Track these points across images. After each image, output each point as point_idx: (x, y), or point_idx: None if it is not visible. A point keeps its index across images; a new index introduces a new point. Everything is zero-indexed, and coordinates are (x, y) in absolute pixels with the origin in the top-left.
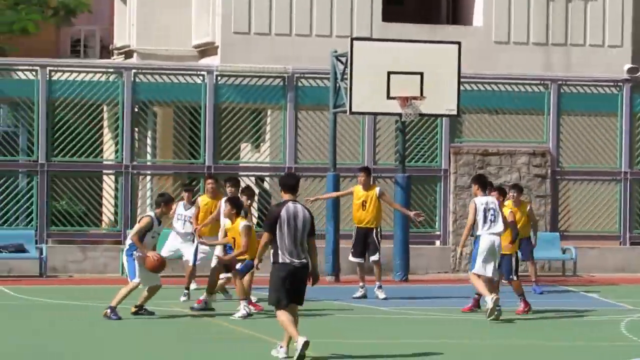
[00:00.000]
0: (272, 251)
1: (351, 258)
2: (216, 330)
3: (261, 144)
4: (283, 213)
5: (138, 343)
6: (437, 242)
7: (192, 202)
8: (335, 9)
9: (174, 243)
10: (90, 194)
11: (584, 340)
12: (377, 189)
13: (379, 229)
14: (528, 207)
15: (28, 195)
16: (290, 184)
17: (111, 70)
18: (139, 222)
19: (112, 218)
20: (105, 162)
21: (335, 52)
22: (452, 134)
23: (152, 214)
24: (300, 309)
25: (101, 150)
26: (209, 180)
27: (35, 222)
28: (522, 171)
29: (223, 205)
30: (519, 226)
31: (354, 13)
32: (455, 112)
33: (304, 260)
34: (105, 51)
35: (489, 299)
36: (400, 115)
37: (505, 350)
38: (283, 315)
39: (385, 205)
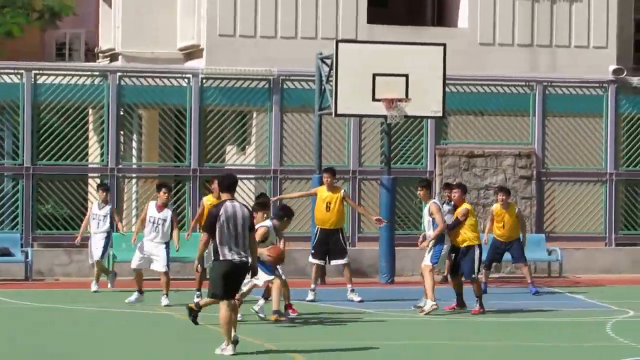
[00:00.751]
0: (213, 249)
1: (312, 259)
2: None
3: (247, 146)
4: (222, 213)
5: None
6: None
7: (105, 201)
8: (320, 11)
9: (94, 241)
10: (76, 197)
11: (569, 342)
12: (342, 191)
13: (344, 231)
14: (516, 210)
15: (13, 199)
16: (227, 184)
17: (96, 73)
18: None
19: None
20: (90, 165)
21: (321, 54)
22: (437, 136)
23: (269, 224)
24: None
25: (86, 154)
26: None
27: (20, 226)
28: (508, 173)
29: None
30: (507, 228)
31: (339, 15)
32: (440, 114)
33: (244, 258)
34: (91, 54)
35: (431, 303)
36: (385, 117)
37: (492, 351)
38: (226, 312)
39: (369, 209)
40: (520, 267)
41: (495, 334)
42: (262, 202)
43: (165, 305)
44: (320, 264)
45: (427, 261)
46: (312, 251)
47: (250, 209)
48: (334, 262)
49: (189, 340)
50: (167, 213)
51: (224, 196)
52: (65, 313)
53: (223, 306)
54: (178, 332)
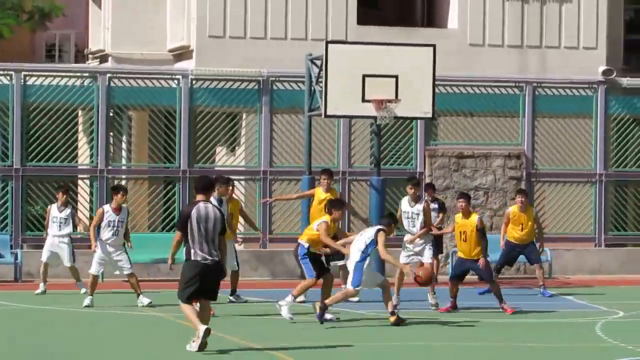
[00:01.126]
0: (185, 249)
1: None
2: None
3: (236, 147)
4: (194, 213)
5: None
6: None
7: (65, 204)
8: (310, 12)
9: (53, 244)
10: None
11: (559, 342)
12: (338, 192)
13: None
14: (534, 212)
15: (3, 200)
16: (201, 186)
17: (86, 74)
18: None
19: (87, 222)
20: (80, 167)
21: (310, 55)
22: (427, 137)
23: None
24: (278, 313)
25: (76, 155)
26: (222, 187)
27: (10, 227)
28: (498, 173)
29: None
30: (525, 231)
31: (328, 16)
32: (430, 115)
33: (215, 258)
34: (80, 55)
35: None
36: (375, 118)
37: (485, 351)
38: (187, 309)
39: (359, 210)
40: (535, 269)
41: (489, 334)
42: (393, 219)
43: (147, 305)
44: None
45: (428, 259)
46: None
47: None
48: (333, 263)
49: (189, 341)
50: (124, 215)
51: (198, 197)
52: (59, 314)
53: (184, 306)
54: (178, 332)
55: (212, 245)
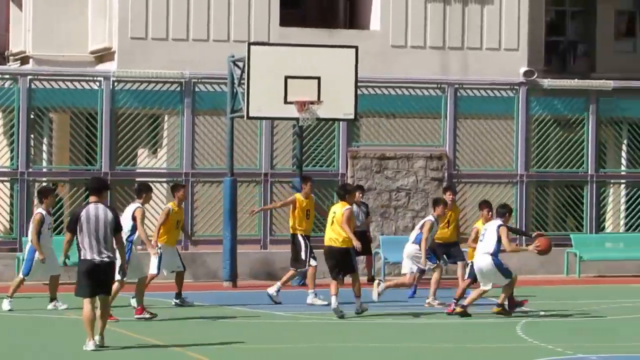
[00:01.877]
0: (77, 249)
1: (314, 263)
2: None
3: (158, 149)
4: (83, 214)
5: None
6: None
7: None
8: (232, 13)
9: None
10: None
11: (480, 342)
12: (314, 198)
13: None
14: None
15: None
16: (93, 187)
17: (7, 76)
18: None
19: (7, 225)
20: (0, 169)
21: (232, 57)
22: (349, 138)
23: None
24: (199, 315)
25: None
26: (182, 190)
27: None
28: (419, 175)
29: (46, 216)
30: (450, 229)
31: (251, 18)
32: (352, 116)
33: (105, 259)
34: (1, 57)
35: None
36: (297, 119)
37: (395, 352)
38: (87, 311)
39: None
40: (460, 267)
41: (401, 336)
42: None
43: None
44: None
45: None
46: (312, 255)
47: (115, 211)
48: (313, 263)
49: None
50: (50, 216)
51: (91, 199)
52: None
53: (85, 304)
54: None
55: (103, 245)
